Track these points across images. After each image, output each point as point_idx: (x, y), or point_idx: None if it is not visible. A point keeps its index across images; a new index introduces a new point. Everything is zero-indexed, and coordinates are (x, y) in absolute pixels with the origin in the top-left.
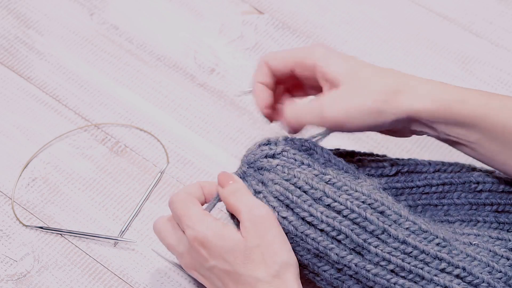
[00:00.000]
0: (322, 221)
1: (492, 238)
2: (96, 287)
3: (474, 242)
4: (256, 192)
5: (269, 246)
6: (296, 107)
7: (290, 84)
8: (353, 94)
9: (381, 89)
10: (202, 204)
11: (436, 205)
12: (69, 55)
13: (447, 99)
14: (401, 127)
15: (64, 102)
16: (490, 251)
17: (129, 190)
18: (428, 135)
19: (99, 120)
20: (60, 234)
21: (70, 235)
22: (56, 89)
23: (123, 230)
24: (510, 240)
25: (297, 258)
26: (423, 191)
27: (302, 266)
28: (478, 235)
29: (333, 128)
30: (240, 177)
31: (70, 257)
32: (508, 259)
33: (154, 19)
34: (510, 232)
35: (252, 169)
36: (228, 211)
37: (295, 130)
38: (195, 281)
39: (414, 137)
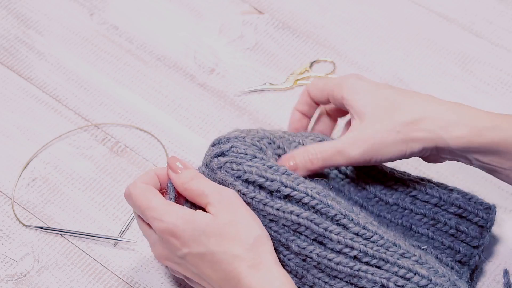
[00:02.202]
0: (280, 217)
1: (444, 245)
2: (96, 287)
3: (423, 247)
4: None
5: (241, 221)
6: (321, 148)
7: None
8: (377, 128)
9: (405, 119)
10: (159, 190)
11: (407, 193)
12: (69, 55)
13: (477, 126)
14: (429, 154)
15: (64, 102)
16: (437, 257)
17: None
18: (461, 162)
19: (99, 120)
20: (60, 234)
21: (70, 235)
22: (56, 89)
23: (123, 230)
24: (460, 252)
25: None
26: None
27: None
28: (432, 238)
29: (361, 164)
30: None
31: (70, 257)
32: (452, 269)
33: (154, 19)
34: (464, 243)
35: (208, 169)
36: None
37: (319, 170)
38: None
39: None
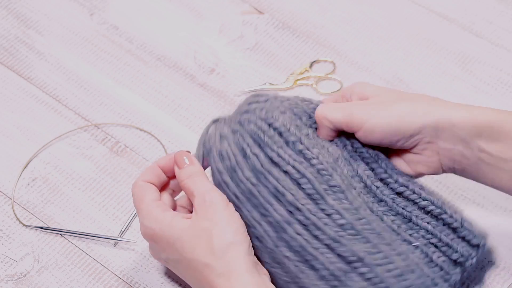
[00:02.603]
0: (288, 163)
1: (441, 242)
2: (96, 287)
3: (415, 243)
4: (233, 132)
5: (215, 228)
6: (327, 104)
7: None
8: (383, 100)
9: (412, 98)
10: (164, 182)
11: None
12: (69, 55)
13: (482, 110)
14: (429, 142)
15: (64, 102)
16: (427, 256)
17: (129, 190)
18: (454, 170)
19: (99, 120)
20: (60, 234)
21: (70, 235)
22: (56, 89)
23: (123, 230)
24: (457, 252)
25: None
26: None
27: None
28: (431, 233)
29: (353, 128)
30: (217, 121)
31: (70, 257)
32: (441, 269)
33: (154, 19)
34: (464, 241)
35: (235, 114)
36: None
37: (322, 124)
38: None
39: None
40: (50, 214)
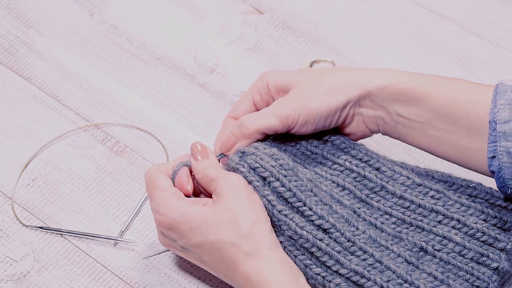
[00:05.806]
0: (326, 178)
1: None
2: (96, 287)
3: (472, 185)
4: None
5: (238, 207)
6: (252, 114)
7: None
8: (305, 88)
9: (331, 77)
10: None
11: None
12: (69, 55)
13: (397, 76)
14: (354, 114)
15: (64, 102)
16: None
17: (129, 190)
18: (380, 132)
19: (99, 120)
20: (60, 234)
21: (70, 235)
22: (56, 89)
23: (123, 230)
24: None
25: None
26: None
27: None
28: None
29: (290, 125)
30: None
31: (70, 257)
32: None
33: (154, 19)
34: (484, 266)
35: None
36: (198, 185)
37: (252, 136)
38: (195, 281)
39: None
40: (50, 214)
